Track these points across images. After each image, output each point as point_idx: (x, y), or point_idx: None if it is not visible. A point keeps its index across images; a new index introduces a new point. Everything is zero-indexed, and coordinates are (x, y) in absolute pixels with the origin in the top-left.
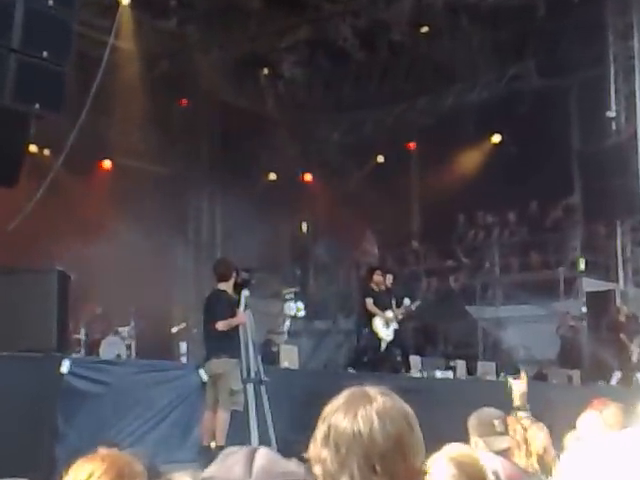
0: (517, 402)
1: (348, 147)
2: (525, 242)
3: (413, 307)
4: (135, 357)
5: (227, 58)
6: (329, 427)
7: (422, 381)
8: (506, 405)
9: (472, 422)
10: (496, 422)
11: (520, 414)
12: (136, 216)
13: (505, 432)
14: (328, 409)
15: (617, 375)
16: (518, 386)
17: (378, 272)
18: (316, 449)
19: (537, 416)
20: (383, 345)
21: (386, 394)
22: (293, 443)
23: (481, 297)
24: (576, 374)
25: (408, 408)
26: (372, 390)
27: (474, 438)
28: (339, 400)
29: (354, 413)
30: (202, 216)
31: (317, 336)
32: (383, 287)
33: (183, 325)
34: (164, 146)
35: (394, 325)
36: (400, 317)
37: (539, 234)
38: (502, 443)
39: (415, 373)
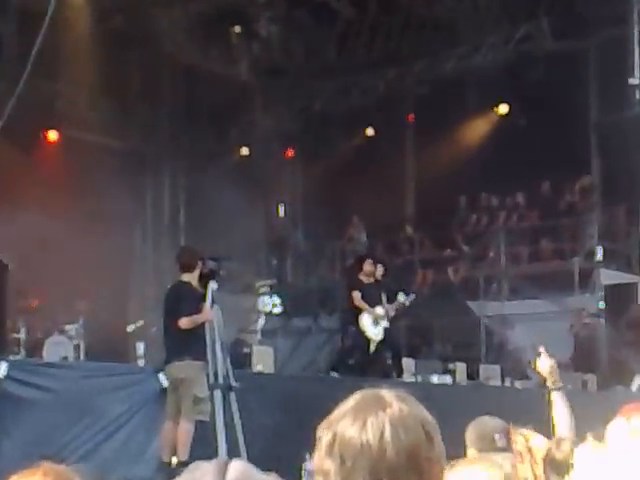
0: (550, 380)
1: (333, 118)
2: (535, 228)
3: (407, 302)
4: (84, 359)
5: (192, 14)
6: (334, 435)
7: (416, 387)
8: (512, 413)
9: (470, 434)
10: (497, 436)
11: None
12: (86, 196)
13: (507, 447)
14: (335, 414)
15: (638, 380)
16: (544, 362)
17: (369, 261)
18: (319, 459)
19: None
20: (371, 346)
21: (403, 399)
22: (268, 459)
23: (484, 291)
24: (592, 379)
25: (429, 416)
26: (387, 394)
27: (471, 450)
28: (348, 404)
29: (363, 420)
30: (163, 197)
31: (296, 335)
32: (373, 279)
33: (140, 323)
34: (119, 116)
35: (384, 323)
36: (392, 314)
37: (551, 219)
38: (503, 461)
39: (408, 378)
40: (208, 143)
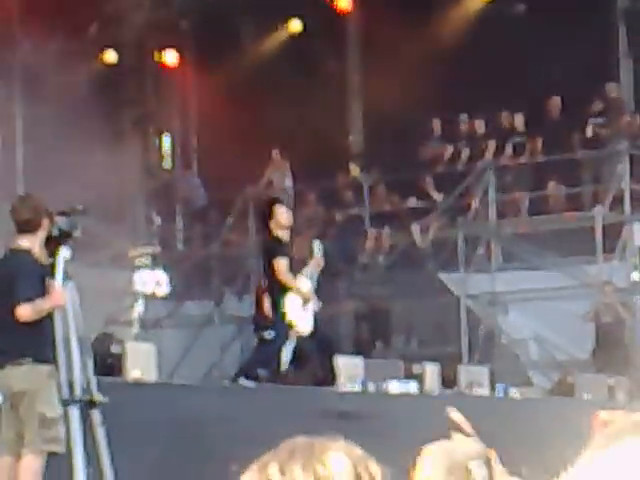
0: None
1: (243, 6)
2: (539, 166)
3: (319, 252)
4: None
5: None
6: None
7: (366, 399)
8: (507, 437)
9: (435, 467)
10: (474, 464)
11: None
12: None
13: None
14: (250, 473)
15: None
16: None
17: (282, 207)
18: None
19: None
20: (295, 342)
21: (351, 454)
22: None
23: (466, 259)
24: (621, 384)
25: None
26: (329, 443)
27: None
28: (271, 456)
29: (292, 477)
30: None
31: (190, 328)
32: (287, 233)
33: None
34: None
35: (313, 305)
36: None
37: (563, 151)
38: None
39: (353, 386)
40: (56, 45)
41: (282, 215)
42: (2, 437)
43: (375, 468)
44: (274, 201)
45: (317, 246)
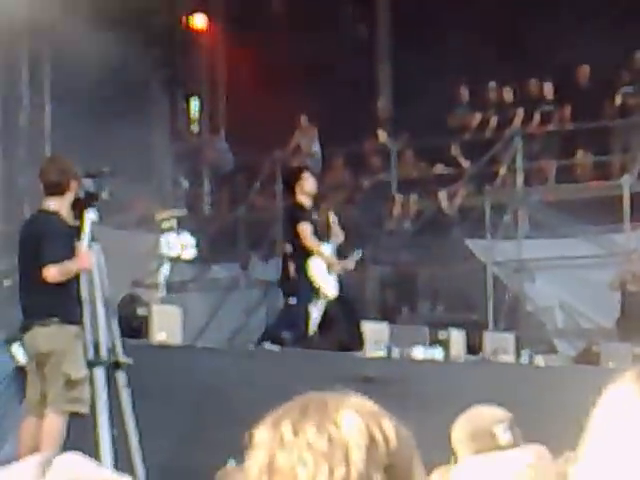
0: None
1: None
2: (567, 134)
3: (353, 261)
4: None
5: None
6: (261, 458)
7: (391, 365)
8: (531, 403)
9: (459, 432)
10: (499, 428)
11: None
12: None
13: (514, 442)
14: (263, 429)
15: None
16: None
17: (306, 171)
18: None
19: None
20: (323, 306)
21: (365, 411)
22: (172, 469)
23: (493, 226)
24: None
25: (404, 437)
26: (342, 400)
27: (463, 454)
28: (284, 413)
29: (305, 438)
30: (18, 88)
31: (216, 291)
32: (311, 199)
33: None
34: None
35: (337, 272)
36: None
37: (592, 119)
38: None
39: (378, 351)
40: (85, 12)
41: (307, 181)
42: (27, 398)
43: (388, 425)
44: (301, 168)
45: (332, 217)
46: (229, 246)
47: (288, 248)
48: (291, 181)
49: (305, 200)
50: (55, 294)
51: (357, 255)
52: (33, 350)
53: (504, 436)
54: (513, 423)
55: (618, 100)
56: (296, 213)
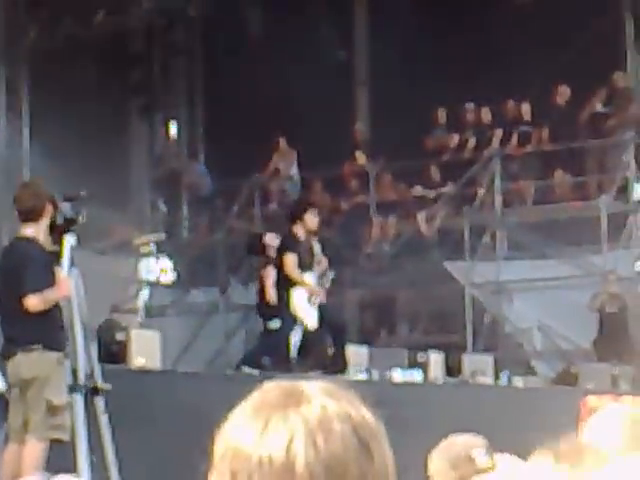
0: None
1: None
2: (545, 155)
3: (327, 283)
4: None
5: None
6: (226, 447)
7: (370, 387)
8: (510, 425)
9: (436, 464)
10: (475, 453)
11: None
12: None
13: (492, 466)
14: (231, 417)
15: None
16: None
17: (314, 211)
18: (210, 476)
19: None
20: (302, 331)
21: (331, 393)
22: None
23: (472, 248)
24: (625, 373)
25: (368, 418)
26: (307, 386)
27: None
28: (251, 401)
29: (264, 424)
30: None
31: (195, 315)
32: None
33: None
34: None
35: (318, 299)
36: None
37: (570, 140)
38: None
39: (357, 374)
40: (64, 33)
41: (312, 221)
42: (9, 425)
43: (361, 405)
44: (308, 205)
45: (316, 246)
46: (208, 270)
47: (267, 272)
48: (296, 213)
49: (301, 233)
50: (37, 322)
51: (330, 276)
52: (17, 378)
53: (482, 459)
54: (489, 448)
55: (595, 121)
56: (287, 242)
